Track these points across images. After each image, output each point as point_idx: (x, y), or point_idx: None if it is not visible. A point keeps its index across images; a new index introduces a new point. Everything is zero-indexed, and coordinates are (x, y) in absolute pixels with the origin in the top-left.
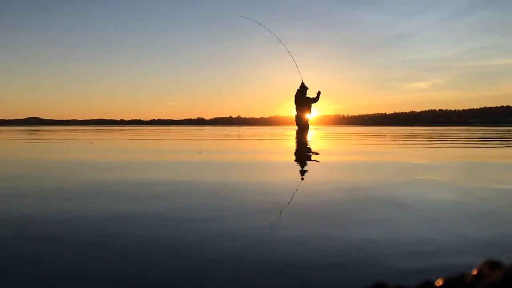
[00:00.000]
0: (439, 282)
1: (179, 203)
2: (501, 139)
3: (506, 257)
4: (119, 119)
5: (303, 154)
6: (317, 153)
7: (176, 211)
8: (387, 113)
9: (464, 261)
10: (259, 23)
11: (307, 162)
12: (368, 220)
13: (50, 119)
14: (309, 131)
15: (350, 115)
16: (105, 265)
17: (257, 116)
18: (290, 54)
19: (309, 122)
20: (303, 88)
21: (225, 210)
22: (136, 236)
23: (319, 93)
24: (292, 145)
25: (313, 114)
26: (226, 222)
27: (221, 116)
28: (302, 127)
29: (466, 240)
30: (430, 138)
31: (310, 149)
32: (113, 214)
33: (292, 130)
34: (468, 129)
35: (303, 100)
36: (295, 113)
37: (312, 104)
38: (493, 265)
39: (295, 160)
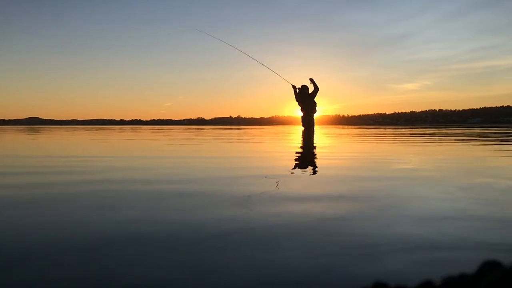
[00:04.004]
0: (439, 282)
1: None
2: None
3: (506, 257)
4: (119, 119)
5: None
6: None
7: None
8: (387, 113)
9: (464, 261)
10: (221, 40)
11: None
12: (369, 220)
13: (50, 119)
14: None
15: (350, 115)
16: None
17: (257, 116)
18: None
19: (314, 122)
20: (305, 89)
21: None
22: None
23: (311, 80)
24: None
25: (317, 113)
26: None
27: (221, 116)
28: (309, 127)
29: (467, 240)
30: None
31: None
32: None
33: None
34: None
35: (307, 99)
36: (301, 113)
37: (315, 101)
38: (493, 265)
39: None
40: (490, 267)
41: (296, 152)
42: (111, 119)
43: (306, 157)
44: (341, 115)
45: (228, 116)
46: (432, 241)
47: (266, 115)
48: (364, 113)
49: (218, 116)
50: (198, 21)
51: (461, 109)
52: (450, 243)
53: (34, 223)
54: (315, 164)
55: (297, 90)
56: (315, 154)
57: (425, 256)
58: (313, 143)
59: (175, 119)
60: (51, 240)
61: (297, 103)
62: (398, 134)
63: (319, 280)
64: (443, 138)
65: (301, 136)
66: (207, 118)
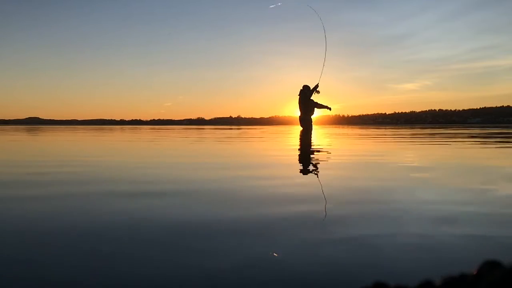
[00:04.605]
0: (439, 282)
1: None
2: None
3: (506, 257)
4: (119, 119)
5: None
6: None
7: None
8: (387, 113)
9: (464, 261)
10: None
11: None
12: (369, 219)
13: (50, 119)
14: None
15: (350, 115)
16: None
17: (257, 116)
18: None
19: (312, 123)
20: (306, 89)
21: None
22: None
23: (317, 87)
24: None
25: (315, 114)
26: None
27: (221, 116)
28: (307, 128)
29: (467, 240)
30: None
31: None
32: None
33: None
34: None
35: (307, 101)
36: (299, 113)
37: (314, 107)
38: (493, 265)
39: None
40: (490, 267)
41: (296, 155)
42: (111, 119)
43: (305, 161)
44: (341, 115)
45: (228, 116)
46: (432, 241)
47: (266, 115)
48: (364, 113)
49: (218, 116)
50: (197, 21)
51: (461, 109)
52: (450, 243)
53: None
54: (314, 168)
55: (317, 90)
56: (314, 157)
57: (425, 256)
58: (311, 144)
59: (175, 119)
60: None
61: (298, 103)
62: (401, 134)
63: (320, 280)
64: (452, 139)
65: (299, 137)
66: (207, 118)
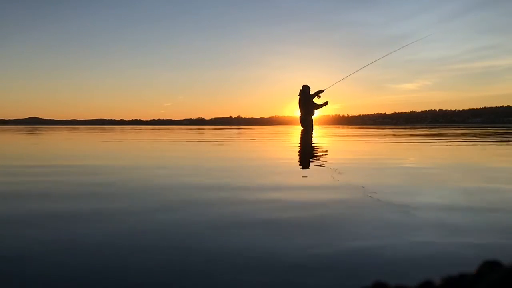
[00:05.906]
0: (439, 282)
1: None
2: None
3: (506, 257)
4: (119, 119)
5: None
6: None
7: None
8: (387, 113)
9: (464, 261)
10: None
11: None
12: (368, 219)
13: (50, 119)
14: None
15: (350, 115)
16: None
17: (257, 116)
18: None
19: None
20: (307, 89)
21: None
22: None
23: (321, 91)
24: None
25: (315, 114)
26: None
27: (221, 116)
28: (308, 128)
29: (466, 240)
30: None
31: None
32: None
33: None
34: None
35: (308, 102)
36: (300, 114)
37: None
38: (493, 265)
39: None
40: (490, 267)
41: (299, 157)
42: (111, 119)
43: (310, 164)
44: (341, 115)
45: (228, 116)
46: (432, 241)
47: (266, 115)
48: (364, 113)
49: (218, 116)
50: (197, 20)
51: (461, 109)
52: (450, 243)
53: None
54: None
55: (319, 94)
56: (319, 160)
57: (425, 256)
58: (311, 145)
59: (175, 119)
60: None
61: (298, 103)
62: (403, 134)
63: (319, 279)
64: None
65: (299, 137)
66: (207, 118)
